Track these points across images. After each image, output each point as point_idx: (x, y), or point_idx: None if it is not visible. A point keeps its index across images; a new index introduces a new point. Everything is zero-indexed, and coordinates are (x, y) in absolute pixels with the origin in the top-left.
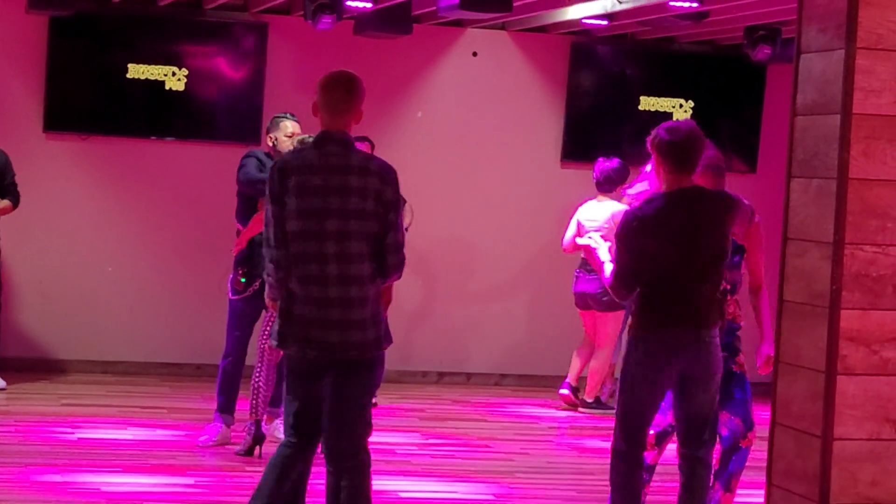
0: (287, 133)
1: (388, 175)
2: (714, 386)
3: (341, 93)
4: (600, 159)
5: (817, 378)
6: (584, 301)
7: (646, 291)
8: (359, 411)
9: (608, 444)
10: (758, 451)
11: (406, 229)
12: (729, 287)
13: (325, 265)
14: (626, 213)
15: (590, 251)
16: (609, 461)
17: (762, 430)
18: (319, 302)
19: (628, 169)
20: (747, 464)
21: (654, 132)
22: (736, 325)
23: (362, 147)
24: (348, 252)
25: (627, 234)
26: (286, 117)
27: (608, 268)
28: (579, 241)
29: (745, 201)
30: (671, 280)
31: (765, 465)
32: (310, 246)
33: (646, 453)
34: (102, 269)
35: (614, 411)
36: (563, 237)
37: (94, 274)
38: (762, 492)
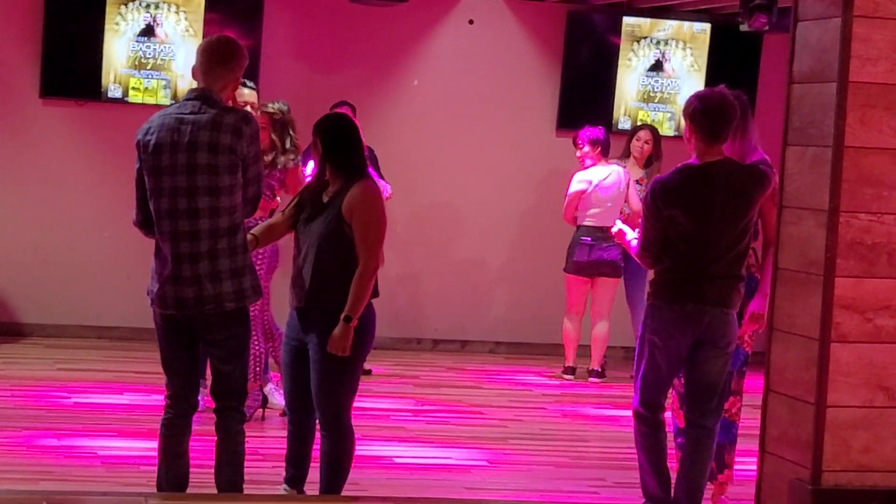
0: (240, 102)
1: (242, 129)
2: (725, 356)
3: (208, 58)
4: (589, 128)
5: (811, 345)
6: (597, 269)
7: (668, 262)
8: (239, 365)
9: (603, 412)
10: (750, 419)
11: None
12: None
13: (176, 221)
14: (654, 181)
15: (622, 235)
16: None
17: (755, 399)
18: (172, 258)
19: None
20: (740, 431)
21: (687, 100)
22: (752, 277)
23: (343, 111)
24: (197, 207)
25: (655, 201)
26: (242, 84)
27: (635, 242)
28: (614, 229)
29: (767, 158)
30: (694, 254)
31: (758, 432)
32: (162, 203)
33: (675, 416)
34: (99, 234)
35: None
36: (567, 205)
37: (91, 240)
38: (755, 459)
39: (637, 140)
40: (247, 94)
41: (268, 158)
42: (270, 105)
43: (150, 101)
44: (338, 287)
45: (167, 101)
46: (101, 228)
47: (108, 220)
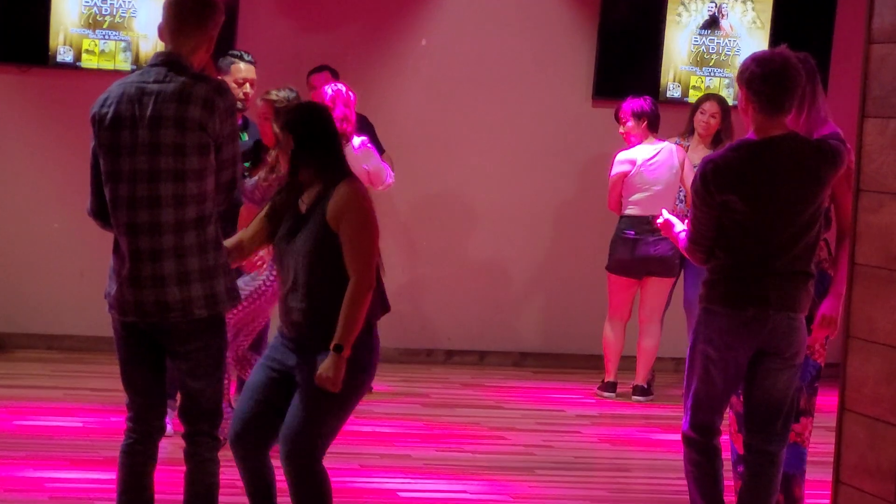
0: (238, 78)
1: (215, 101)
2: (793, 370)
3: (176, 15)
4: (633, 98)
5: (894, 356)
6: (644, 267)
7: (724, 258)
8: (212, 382)
9: (649, 436)
10: (823, 443)
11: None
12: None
13: (134, 211)
14: (705, 160)
15: (669, 226)
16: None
17: (828, 419)
18: (130, 255)
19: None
20: (809, 458)
21: (742, 64)
22: (824, 274)
23: (322, 77)
24: (159, 195)
25: (706, 185)
26: (239, 57)
27: (683, 234)
28: (659, 220)
29: (840, 132)
30: (753, 248)
31: (831, 459)
32: (120, 189)
33: (733, 441)
34: (48, 225)
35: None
36: (610, 192)
37: (38, 232)
38: (828, 491)
39: (702, 113)
40: (244, 70)
41: (271, 158)
42: (274, 93)
43: (108, 66)
44: (337, 311)
45: (128, 68)
46: (50, 218)
47: (58, 209)
